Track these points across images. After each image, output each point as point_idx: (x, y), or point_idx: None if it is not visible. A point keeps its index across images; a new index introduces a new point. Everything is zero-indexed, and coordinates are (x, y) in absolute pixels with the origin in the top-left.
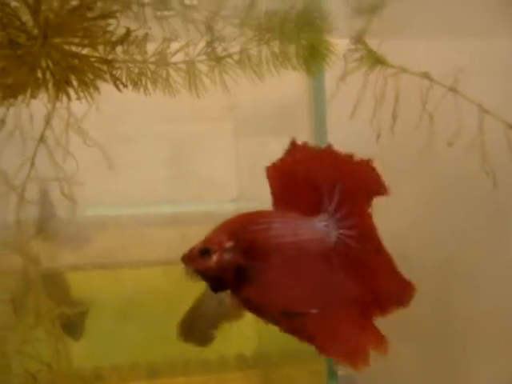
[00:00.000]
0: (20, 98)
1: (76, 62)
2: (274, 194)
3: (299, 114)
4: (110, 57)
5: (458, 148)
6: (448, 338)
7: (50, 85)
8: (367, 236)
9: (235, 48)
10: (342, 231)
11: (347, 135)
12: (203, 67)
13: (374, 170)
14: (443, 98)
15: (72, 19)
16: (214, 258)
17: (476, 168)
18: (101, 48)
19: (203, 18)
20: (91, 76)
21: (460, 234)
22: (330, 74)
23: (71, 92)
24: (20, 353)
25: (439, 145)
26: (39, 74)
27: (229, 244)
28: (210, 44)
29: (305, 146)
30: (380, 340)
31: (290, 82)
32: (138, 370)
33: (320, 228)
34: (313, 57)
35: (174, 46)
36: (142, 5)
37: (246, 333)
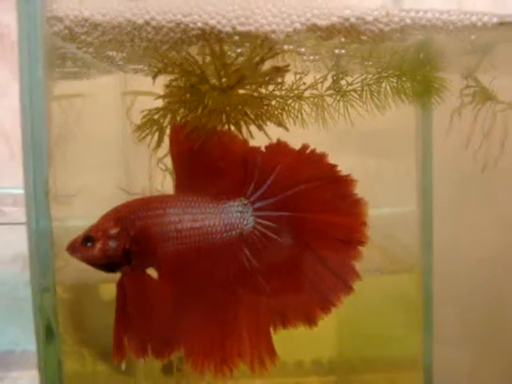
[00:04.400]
0: None
1: (250, 105)
2: (177, 173)
3: (408, 144)
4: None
5: None
6: None
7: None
8: (292, 231)
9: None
10: (260, 220)
11: (451, 165)
12: (329, 99)
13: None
14: None
15: (253, 72)
16: (98, 245)
17: None
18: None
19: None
20: (265, 116)
21: None
22: (440, 107)
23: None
24: None
25: None
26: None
27: (114, 231)
28: (336, 79)
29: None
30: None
31: (402, 114)
32: None
33: (232, 213)
34: (427, 92)
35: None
36: (299, 53)
37: (323, 338)
